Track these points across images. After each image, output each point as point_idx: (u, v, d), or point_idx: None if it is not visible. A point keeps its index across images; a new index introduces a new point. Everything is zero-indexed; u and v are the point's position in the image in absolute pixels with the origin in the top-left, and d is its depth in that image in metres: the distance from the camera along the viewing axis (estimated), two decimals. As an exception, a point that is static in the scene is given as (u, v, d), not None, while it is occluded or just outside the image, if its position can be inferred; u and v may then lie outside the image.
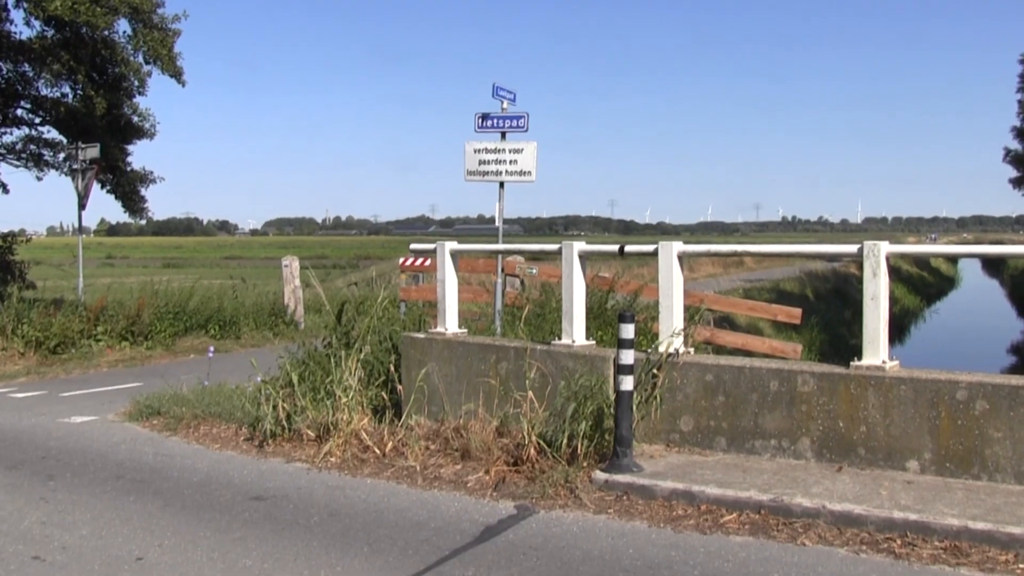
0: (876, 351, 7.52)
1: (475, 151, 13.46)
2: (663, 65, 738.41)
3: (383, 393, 9.83)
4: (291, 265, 21.26)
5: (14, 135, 22.98)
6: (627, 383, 7.65)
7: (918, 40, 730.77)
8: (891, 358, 7.58)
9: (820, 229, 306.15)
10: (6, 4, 20.84)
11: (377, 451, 8.96)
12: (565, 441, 8.00)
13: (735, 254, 9.87)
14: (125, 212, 24.28)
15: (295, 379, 9.89)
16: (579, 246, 9.20)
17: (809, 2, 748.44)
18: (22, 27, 20.76)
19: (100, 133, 20.96)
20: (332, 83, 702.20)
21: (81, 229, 21.17)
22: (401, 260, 20.63)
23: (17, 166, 23.11)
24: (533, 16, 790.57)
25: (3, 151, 22.85)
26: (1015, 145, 48.76)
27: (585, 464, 7.87)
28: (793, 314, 15.22)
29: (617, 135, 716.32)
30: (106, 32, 20.38)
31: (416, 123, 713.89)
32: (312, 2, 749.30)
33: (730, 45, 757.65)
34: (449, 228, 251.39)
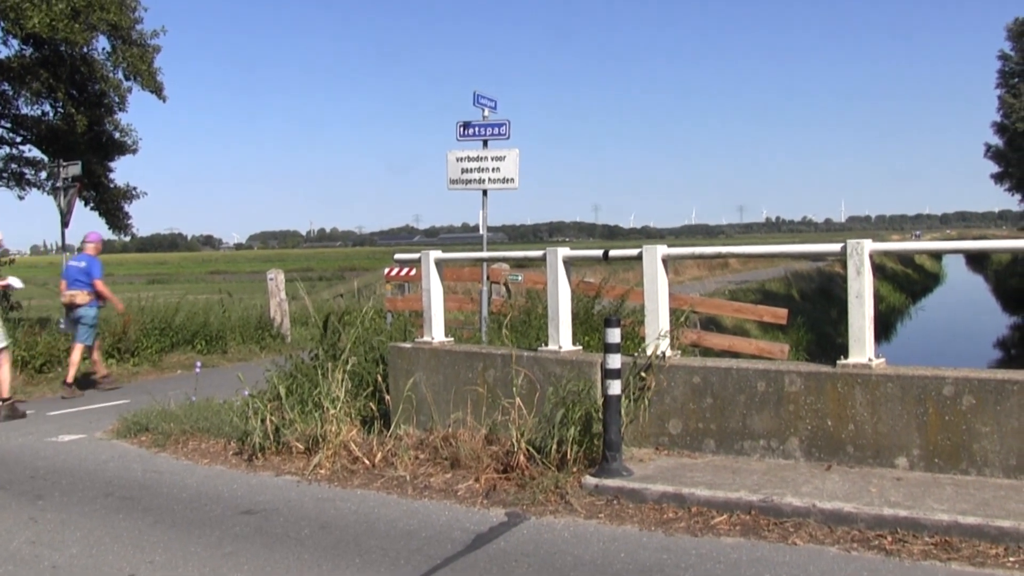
0: (862, 349, 7.55)
1: (457, 159, 13.48)
2: (646, 71, 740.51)
3: (371, 404, 9.81)
4: (276, 278, 21.20)
5: (-5, 155, 22.90)
6: (615, 387, 7.66)
7: (899, 39, 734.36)
8: (877, 356, 7.61)
9: (804, 229, 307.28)
10: None
11: (366, 462, 8.95)
12: (554, 447, 8.00)
13: (720, 256, 9.90)
14: (109, 229, 24.18)
15: (283, 392, 9.86)
16: (564, 252, 9.21)
17: (792, 4, 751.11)
18: (0, 47, 20.70)
19: (82, 150, 20.88)
20: (315, 95, 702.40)
21: (65, 247, 21.04)
22: (386, 270, 20.64)
23: (-1, 186, 23.02)
24: (517, 23, 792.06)
25: (-16, 171, 22.76)
26: (996, 141, 49.06)
27: (575, 469, 7.87)
28: (779, 315, 15.26)
29: (600, 140, 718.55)
30: (85, 49, 20.34)
31: (399, 133, 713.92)
32: (294, 19, 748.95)
33: (713, 50, 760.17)
34: (433, 237, 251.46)
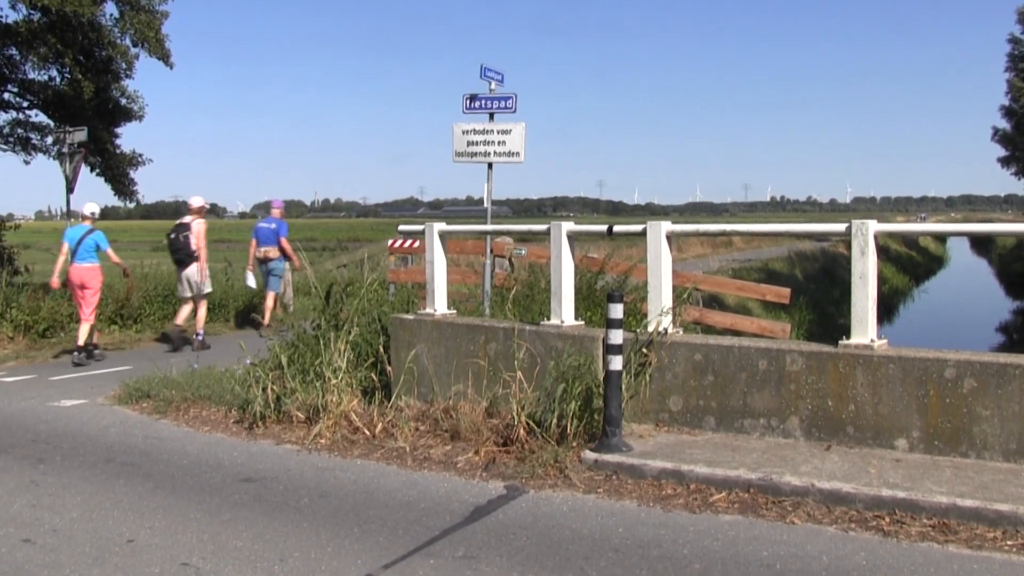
0: (864, 330, 7.54)
1: (463, 132, 13.43)
2: (651, 46, 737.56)
3: (372, 375, 9.83)
4: (281, 248, 21.15)
5: (1, 119, 22.85)
6: (616, 363, 7.66)
7: (906, 19, 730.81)
8: (880, 337, 7.61)
9: (809, 209, 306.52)
10: None
11: (367, 432, 8.97)
12: (554, 421, 8.01)
13: (724, 234, 9.89)
14: (115, 195, 24.17)
15: (284, 361, 9.88)
16: (567, 227, 9.20)
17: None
18: (8, 11, 20.66)
19: (88, 116, 20.84)
20: (320, 66, 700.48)
21: (70, 213, 21.02)
22: (390, 242, 20.66)
23: (5, 150, 22.97)
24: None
25: (-9, 136, 22.74)
26: (1003, 124, 48.87)
27: (574, 444, 7.88)
28: (782, 294, 15.27)
29: (605, 116, 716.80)
30: (93, 15, 20.27)
31: (405, 105, 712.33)
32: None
33: (717, 26, 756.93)
34: (438, 210, 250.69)
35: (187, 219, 16.39)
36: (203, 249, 16.20)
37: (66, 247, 14.90)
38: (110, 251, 15.00)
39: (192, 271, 16.03)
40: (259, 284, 18.18)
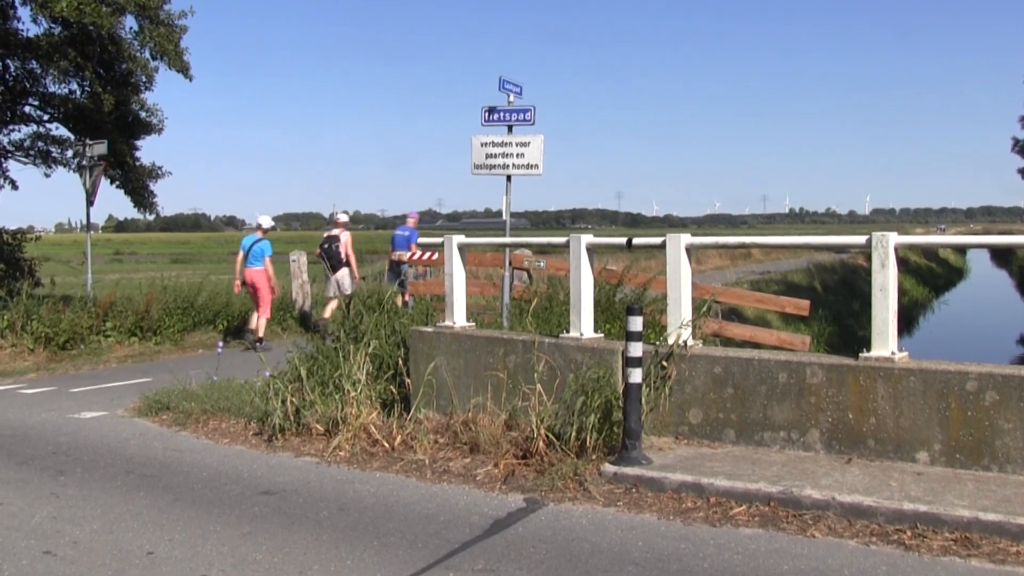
0: (885, 342, 7.51)
1: (482, 144, 13.44)
2: (668, 57, 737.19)
3: (392, 387, 9.84)
4: (299, 260, 21.21)
5: (22, 132, 23.02)
6: (636, 376, 7.65)
7: (925, 30, 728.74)
8: (900, 349, 7.56)
9: (828, 220, 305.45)
10: (13, 2, 20.88)
11: (386, 445, 8.97)
12: (574, 434, 8.00)
13: (743, 246, 9.86)
14: (135, 207, 24.29)
15: (304, 374, 9.90)
16: (586, 239, 9.20)
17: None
18: (29, 25, 20.79)
19: (108, 129, 20.96)
20: (336, 77, 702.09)
21: (89, 226, 21.16)
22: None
23: (25, 163, 23.13)
24: (541, 9, 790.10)
25: (11, 148, 22.87)
26: (1022, 135, 48.56)
27: (594, 457, 7.87)
28: (801, 306, 15.19)
29: (623, 128, 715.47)
30: (112, 28, 20.40)
31: (423, 116, 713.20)
32: (320, 2, 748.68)
33: (735, 37, 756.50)
34: (456, 222, 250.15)
35: (335, 232, 18.80)
36: (352, 255, 18.70)
37: (241, 254, 17.77)
38: (267, 259, 17.63)
39: (341, 275, 18.41)
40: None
